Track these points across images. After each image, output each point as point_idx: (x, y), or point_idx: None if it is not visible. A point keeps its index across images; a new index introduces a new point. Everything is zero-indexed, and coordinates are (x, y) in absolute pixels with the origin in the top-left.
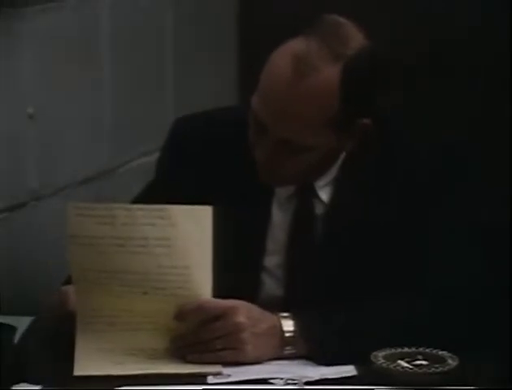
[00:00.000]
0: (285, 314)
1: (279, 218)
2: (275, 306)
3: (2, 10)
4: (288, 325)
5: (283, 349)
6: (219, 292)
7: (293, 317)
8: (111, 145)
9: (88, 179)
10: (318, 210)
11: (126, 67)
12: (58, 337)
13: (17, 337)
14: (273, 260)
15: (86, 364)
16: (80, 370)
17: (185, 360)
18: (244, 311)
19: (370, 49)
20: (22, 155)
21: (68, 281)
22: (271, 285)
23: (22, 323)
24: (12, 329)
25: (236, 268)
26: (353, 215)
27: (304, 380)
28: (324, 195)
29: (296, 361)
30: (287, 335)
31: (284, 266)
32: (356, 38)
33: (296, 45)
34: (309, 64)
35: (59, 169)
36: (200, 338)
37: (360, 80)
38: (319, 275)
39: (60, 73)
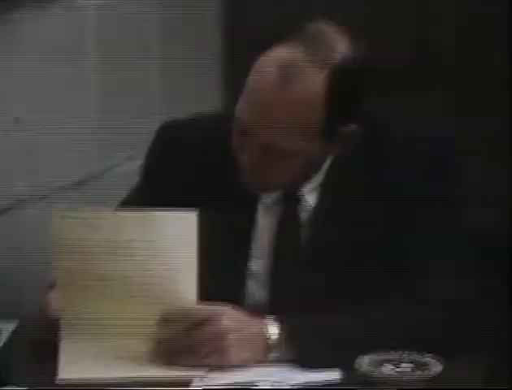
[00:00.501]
0: (270, 319)
1: (265, 223)
2: (260, 310)
3: None
4: (274, 329)
5: (268, 354)
6: (204, 295)
7: (278, 321)
8: (98, 150)
9: (75, 184)
10: (304, 214)
11: (112, 72)
12: (41, 343)
13: (2, 340)
14: (258, 264)
15: (70, 368)
16: (64, 373)
17: (170, 364)
18: (229, 316)
19: (357, 54)
20: (9, 159)
21: (53, 285)
22: (256, 290)
23: (7, 327)
24: None
25: (221, 272)
26: (339, 221)
27: (290, 383)
28: (311, 200)
29: (282, 366)
30: (272, 339)
31: (268, 270)
32: (342, 44)
33: (281, 52)
34: (294, 71)
35: (45, 173)
36: (184, 343)
37: (346, 87)
38: (304, 280)
39: (47, 78)
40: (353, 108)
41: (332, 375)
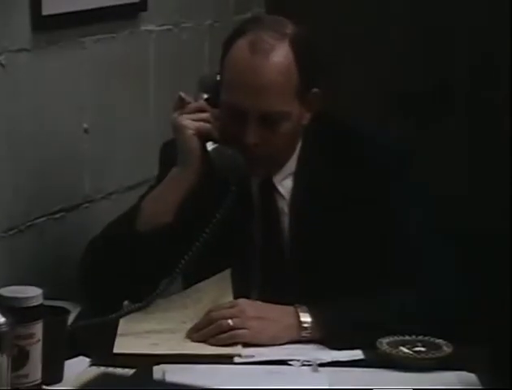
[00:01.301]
0: (301, 305)
1: (248, 216)
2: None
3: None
4: (305, 314)
5: (299, 334)
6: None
7: (309, 306)
8: (154, 157)
9: (134, 186)
10: (283, 203)
11: (168, 89)
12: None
13: (70, 319)
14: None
15: (125, 344)
16: (119, 348)
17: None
18: (248, 303)
19: (303, 29)
20: (78, 164)
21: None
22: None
23: (75, 309)
24: (67, 312)
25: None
26: (315, 207)
27: (318, 362)
28: (283, 190)
29: (311, 345)
30: (303, 321)
31: (258, 260)
32: (289, 23)
33: (247, 37)
34: (265, 44)
35: (109, 176)
36: (211, 320)
37: (306, 52)
38: (290, 268)
39: (112, 93)
40: (316, 73)
41: (355, 355)
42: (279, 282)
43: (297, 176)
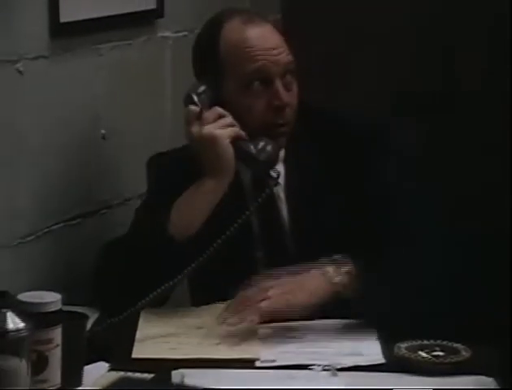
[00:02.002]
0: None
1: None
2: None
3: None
4: (333, 272)
5: (329, 294)
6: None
7: (342, 263)
8: None
9: None
10: (276, 191)
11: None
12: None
13: (89, 324)
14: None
15: (144, 349)
16: (138, 353)
17: (232, 323)
18: (272, 282)
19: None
20: (95, 170)
21: None
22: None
23: (93, 314)
24: (85, 317)
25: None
26: (307, 189)
27: (338, 367)
28: (280, 175)
29: (332, 350)
30: (334, 279)
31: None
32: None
33: (232, 21)
34: (255, 18)
35: (126, 182)
36: (242, 301)
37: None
38: (292, 251)
39: (128, 100)
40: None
41: (376, 359)
42: (283, 264)
43: (287, 162)
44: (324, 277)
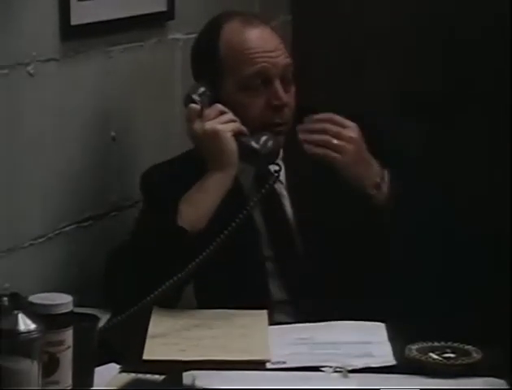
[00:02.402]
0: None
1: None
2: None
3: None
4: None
5: (376, 183)
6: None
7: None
8: None
9: None
10: (279, 189)
11: None
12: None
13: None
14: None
15: (154, 350)
16: (148, 355)
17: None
18: (359, 140)
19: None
20: (105, 172)
21: None
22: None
23: (105, 316)
24: (96, 319)
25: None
26: (308, 184)
27: (349, 368)
28: (281, 174)
29: (343, 352)
30: (383, 177)
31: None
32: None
33: (232, 22)
34: (253, 20)
35: (136, 184)
36: (323, 129)
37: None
38: (299, 246)
39: (139, 102)
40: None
41: (387, 361)
42: (292, 261)
43: (286, 161)
44: (380, 170)
